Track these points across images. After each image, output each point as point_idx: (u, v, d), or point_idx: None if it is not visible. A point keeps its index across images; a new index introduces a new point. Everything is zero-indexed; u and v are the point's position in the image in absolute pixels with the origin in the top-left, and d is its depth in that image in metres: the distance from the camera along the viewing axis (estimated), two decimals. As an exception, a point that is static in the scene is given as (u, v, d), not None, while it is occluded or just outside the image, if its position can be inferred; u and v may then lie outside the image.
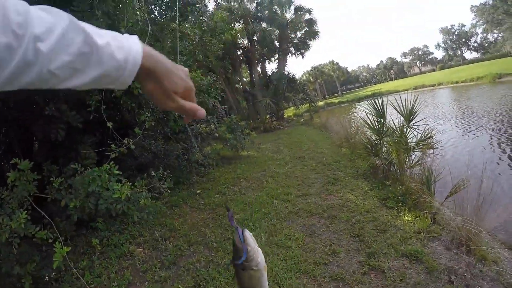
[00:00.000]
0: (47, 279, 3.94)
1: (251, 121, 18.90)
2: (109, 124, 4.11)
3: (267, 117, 20.34)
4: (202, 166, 8.76)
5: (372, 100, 7.18)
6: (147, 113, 5.03)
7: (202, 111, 0.69)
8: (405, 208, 5.01)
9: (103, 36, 0.54)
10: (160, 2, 7.33)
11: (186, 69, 0.68)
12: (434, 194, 5.39)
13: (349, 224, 4.83)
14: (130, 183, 3.53)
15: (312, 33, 23.54)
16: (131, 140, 4.36)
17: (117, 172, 3.58)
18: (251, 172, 8.85)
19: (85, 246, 4.99)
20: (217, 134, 8.54)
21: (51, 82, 0.51)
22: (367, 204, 5.42)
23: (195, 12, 7.84)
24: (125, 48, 0.56)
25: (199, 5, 8.12)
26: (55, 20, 0.49)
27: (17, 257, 3.63)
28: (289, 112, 27.07)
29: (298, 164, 9.10)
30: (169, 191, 4.46)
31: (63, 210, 4.54)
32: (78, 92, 5.15)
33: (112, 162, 3.71)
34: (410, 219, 4.71)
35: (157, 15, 7.70)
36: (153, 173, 4.39)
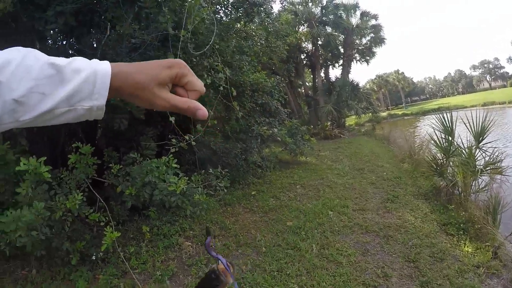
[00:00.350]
0: (94, 258, 4.11)
1: (311, 126, 18.55)
2: (171, 119, 4.19)
3: (328, 124, 19.83)
4: (260, 167, 8.68)
5: (441, 115, 6.79)
6: (210, 111, 5.10)
7: (202, 111, 0.61)
8: (466, 237, 4.72)
9: (63, 59, 0.53)
10: (226, 2, 7.43)
11: (166, 60, 0.60)
12: (499, 226, 5.06)
13: (405, 247, 4.57)
14: (187, 178, 3.55)
15: (378, 40, 22.67)
16: (192, 136, 4.41)
17: (175, 165, 3.62)
18: (308, 179, 8.67)
19: (135, 232, 5.10)
20: (279, 138, 8.43)
21: (21, 112, 0.49)
22: (426, 227, 5.14)
23: (262, 14, 7.84)
24: (90, 62, 0.55)
25: (265, 6, 8.11)
26: (9, 54, 0.50)
27: (68, 234, 3.80)
28: (350, 120, 26.25)
29: (357, 176, 8.81)
30: (225, 190, 4.44)
31: (118, 195, 4.75)
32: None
33: (171, 155, 3.77)
34: (470, 250, 4.42)
35: (222, 15, 7.82)
36: (210, 170, 4.41)
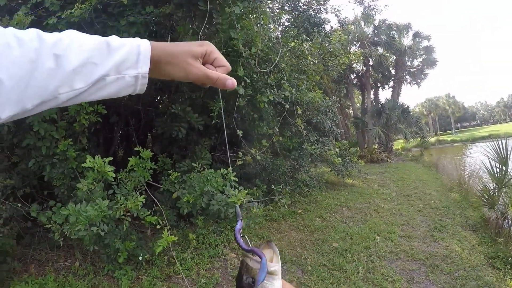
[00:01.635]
0: (141, 258, 4.22)
1: (358, 149, 18.16)
2: (239, 132, 4.33)
3: (375, 147, 19.38)
4: (307, 186, 8.66)
5: (495, 142, 6.57)
6: (272, 129, 5.20)
7: (232, 81, 0.68)
8: None
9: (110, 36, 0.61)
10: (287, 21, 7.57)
11: (197, 42, 0.68)
12: None
13: (450, 278, 4.50)
14: (246, 191, 3.63)
15: (430, 62, 21.94)
16: (257, 151, 4.53)
17: (234, 178, 3.72)
18: (354, 202, 8.58)
19: (181, 239, 5.21)
20: (328, 158, 8.40)
21: (76, 80, 0.55)
22: (473, 259, 5.01)
23: (322, 33, 7.90)
24: (132, 38, 0.62)
25: (326, 25, 8.19)
26: (60, 33, 0.56)
27: (120, 233, 3.97)
28: (397, 144, 25.39)
29: (404, 203, 8.59)
30: (286, 207, 4.49)
31: (168, 201, 4.92)
32: (202, 97, 5.61)
33: (230, 168, 3.87)
34: None
35: (279, 33, 7.98)
36: (273, 187, 4.49)
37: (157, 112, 5.81)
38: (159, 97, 6.71)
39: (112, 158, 3.63)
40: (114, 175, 3.51)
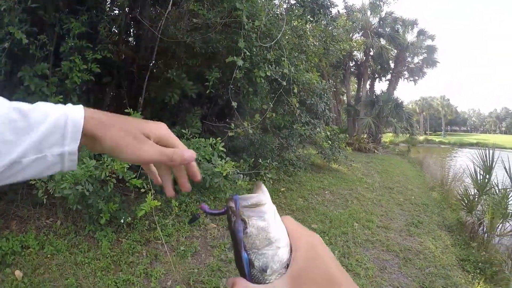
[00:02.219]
0: (122, 221, 4.24)
1: (347, 136, 18.33)
2: (234, 104, 4.29)
3: (364, 136, 19.49)
4: (293, 166, 8.75)
5: (483, 151, 6.74)
6: (266, 105, 5.16)
7: (191, 153, 0.56)
8: (482, 277, 4.72)
9: (28, 104, 0.49)
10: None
11: (151, 122, 0.57)
12: None
13: (421, 273, 4.64)
14: (233, 162, 3.64)
15: (431, 61, 22.01)
16: (250, 124, 4.52)
17: (222, 149, 3.72)
18: (337, 186, 8.70)
19: (163, 205, 5.25)
20: (318, 140, 8.44)
21: None
22: (445, 259, 5.18)
23: (328, 16, 7.76)
24: (60, 106, 0.50)
25: (332, 8, 8.05)
26: None
27: (104, 194, 3.96)
28: (386, 137, 25.66)
29: (385, 194, 8.76)
30: (271, 182, 4.52)
31: (155, 165, 4.89)
32: (199, 66, 5.53)
33: (219, 138, 3.86)
34: None
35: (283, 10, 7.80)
36: (260, 161, 4.50)
37: (151, 76, 5.72)
38: (154, 61, 6.59)
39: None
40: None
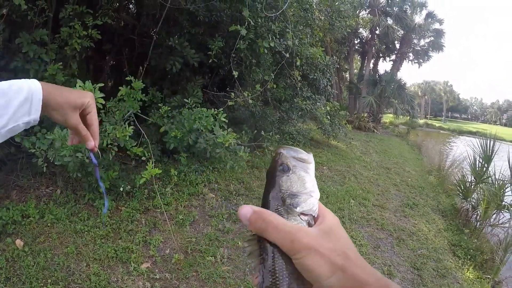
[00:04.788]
0: (122, 189, 4.23)
1: (348, 113, 18.28)
2: (235, 73, 4.22)
3: (365, 115, 19.46)
4: (292, 139, 8.75)
5: (483, 140, 6.82)
6: (271, 73, 5.10)
7: (90, 143, 0.83)
8: (471, 264, 4.88)
9: (4, 83, 0.67)
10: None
11: (81, 91, 0.81)
12: (505, 264, 5.17)
13: (413, 254, 4.76)
14: (235, 133, 3.62)
15: (437, 45, 21.65)
16: (250, 94, 4.46)
17: (224, 119, 3.68)
18: (335, 163, 8.75)
19: (162, 174, 5.30)
20: (318, 115, 8.41)
21: None
22: (437, 242, 5.32)
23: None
24: (26, 81, 0.71)
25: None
26: None
27: (104, 162, 3.93)
28: (386, 118, 25.59)
29: (382, 174, 8.86)
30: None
31: (154, 134, 4.88)
32: (202, 34, 5.40)
33: (221, 109, 3.82)
34: (471, 276, 4.59)
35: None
36: (262, 133, 4.48)
37: (153, 44, 5.61)
38: (155, 29, 6.45)
39: (103, 84, 3.51)
40: (103, 102, 3.41)
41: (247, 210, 0.49)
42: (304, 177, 0.52)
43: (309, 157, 0.54)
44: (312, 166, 0.54)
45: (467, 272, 4.64)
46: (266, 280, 0.48)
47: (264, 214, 0.48)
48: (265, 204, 0.52)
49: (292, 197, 0.50)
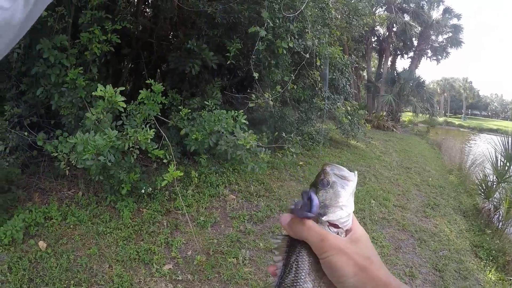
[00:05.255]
0: (143, 191, 4.28)
1: (366, 112, 18.02)
2: (255, 75, 4.21)
3: (383, 114, 19.18)
4: (311, 140, 8.71)
5: (505, 138, 6.70)
6: (291, 74, 5.08)
7: None
8: (493, 265, 4.77)
9: None
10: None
11: None
12: None
13: (435, 255, 4.69)
14: (256, 135, 3.61)
15: (455, 41, 21.17)
16: (271, 96, 4.45)
17: (244, 121, 3.68)
18: (355, 163, 8.67)
19: (183, 176, 5.36)
20: (337, 115, 8.34)
21: None
22: (459, 243, 5.23)
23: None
24: None
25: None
26: None
27: (126, 165, 3.97)
28: (405, 116, 25.15)
29: (403, 174, 8.73)
30: (294, 156, 4.52)
31: (174, 136, 4.92)
32: (220, 36, 5.42)
33: (242, 111, 3.81)
34: (493, 278, 4.48)
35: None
36: (283, 134, 4.47)
37: (171, 46, 5.65)
38: (173, 32, 6.51)
39: (123, 88, 3.55)
40: (124, 105, 3.46)
41: (287, 216, 0.57)
42: (340, 192, 0.58)
43: (351, 175, 0.60)
44: (351, 183, 0.59)
45: (489, 274, 4.54)
46: (286, 274, 0.56)
47: (301, 219, 0.55)
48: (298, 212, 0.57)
49: (323, 208, 0.56)
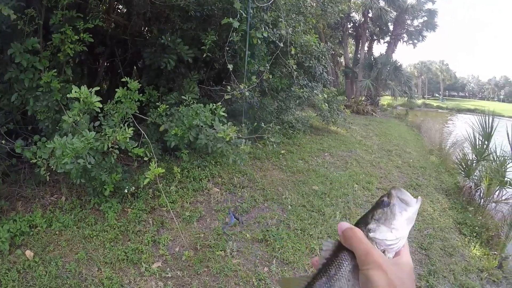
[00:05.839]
0: (126, 191, 4.24)
1: (345, 98, 18.11)
2: (230, 66, 4.19)
3: (362, 99, 19.36)
4: (292, 128, 8.73)
5: (482, 117, 6.80)
6: (264, 66, 5.08)
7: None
8: (477, 241, 4.90)
9: None
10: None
11: None
12: (511, 240, 5.17)
13: (420, 234, 4.80)
14: (235, 127, 3.60)
15: (430, 25, 21.44)
16: (246, 86, 4.43)
17: (223, 113, 3.67)
18: (337, 149, 8.75)
19: (165, 172, 5.33)
20: (316, 102, 8.39)
21: None
22: (442, 222, 5.36)
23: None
24: None
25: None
26: None
27: (107, 165, 3.93)
28: (383, 100, 25.50)
29: (384, 157, 8.85)
30: (274, 146, 4.54)
31: (154, 133, 4.87)
32: (194, 29, 5.36)
33: (220, 103, 3.80)
34: (478, 253, 4.62)
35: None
36: (263, 125, 4.48)
37: (145, 43, 5.55)
38: (147, 28, 6.38)
39: (98, 88, 3.48)
40: (100, 105, 3.39)
41: (344, 224, 0.63)
42: (396, 215, 0.62)
43: (412, 201, 0.63)
44: (411, 209, 0.63)
45: (473, 249, 4.67)
46: (326, 270, 0.60)
47: (355, 229, 0.61)
48: (356, 223, 0.65)
49: (374, 224, 0.62)
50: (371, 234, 0.61)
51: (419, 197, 0.65)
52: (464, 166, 7.00)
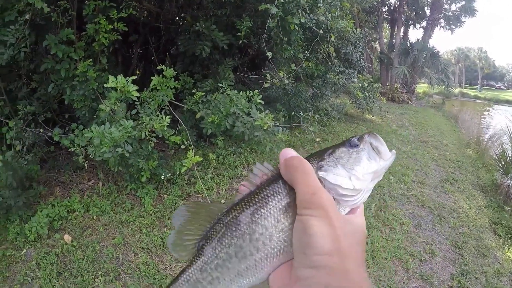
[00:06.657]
0: (163, 177, 4.30)
1: (381, 85, 17.52)
2: (268, 54, 4.10)
3: (398, 86, 18.72)
4: (327, 115, 8.57)
5: None
6: (306, 51, 4.93)
7: None
8: None
9: None
10: None
11: None
12: None
13: (454, 232, 4.68)
14: (273, 115, 3.54)
15: (469, 10, 20.22)
16: (285, 74, 4.35)
17: (260, 101, 3.60)
18: (372, 138, 8.49)
19: (202, 158, 5.36)
20: (352, 90, 8.17)
21: None
22: (478, 220, 5.19)
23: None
24: None
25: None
26: None
27: (144, 153, 3.97)
28: (419, 88, 24.48)
29: (420, 148, 8.59)
30: (313, 134, 4.45)
31: (189, 120, 4.88)
32: (228, 16, 5.29)
33: (257, 91, 3.73)
34: None
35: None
36: (301, 114, 4.40)
37: (179, 30, 5.53)
38: (180, 15, 6.37)
39: (135, 77, 3.50)
40: (137, 94, 3.42)
41: (290, 151, 0.49)
42: (362, 161, 0.50)
43: (386, 154, 0.52)
44: (383, 163, 0.51)
45: (507, 252, 4.50)
46: (253, 201, 0.48)
47: (303, 159, 0.47)
48: (310, 155, 0.52)
49: (330, 161, 0.49)
50: (321, 173, 0.47)
51: (393, 150, 0.54)
52: (503, 163, 6.69)
